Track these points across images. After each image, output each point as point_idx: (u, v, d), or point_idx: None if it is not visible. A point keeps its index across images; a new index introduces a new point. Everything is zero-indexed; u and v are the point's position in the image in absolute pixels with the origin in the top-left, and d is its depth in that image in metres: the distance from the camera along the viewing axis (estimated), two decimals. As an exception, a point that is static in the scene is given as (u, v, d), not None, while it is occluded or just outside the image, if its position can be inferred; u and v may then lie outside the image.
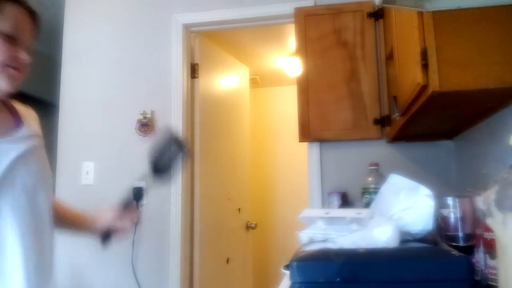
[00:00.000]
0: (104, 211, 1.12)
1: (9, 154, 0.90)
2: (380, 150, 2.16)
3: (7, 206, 0.88)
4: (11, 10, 0.92)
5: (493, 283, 0.84)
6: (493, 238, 0.80)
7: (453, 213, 1.02)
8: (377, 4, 2.13)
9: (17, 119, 0.99)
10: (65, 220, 1.13)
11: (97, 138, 2.51)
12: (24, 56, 0.93)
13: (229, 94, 3.14)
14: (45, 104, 3.92)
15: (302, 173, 2.31)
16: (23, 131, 0.97)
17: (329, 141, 2.24)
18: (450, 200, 1.03)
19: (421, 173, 2.06)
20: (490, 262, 0.86)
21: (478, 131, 1.66)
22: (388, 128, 2.07)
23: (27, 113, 1.06)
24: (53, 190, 1.11)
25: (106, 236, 1.12)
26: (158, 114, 2.46)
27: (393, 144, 2.16)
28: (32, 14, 0.98)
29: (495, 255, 0.80)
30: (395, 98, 1.81)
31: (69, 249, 2.33)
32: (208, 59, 2.77)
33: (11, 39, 0.91)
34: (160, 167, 1.08)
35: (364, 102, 2.12)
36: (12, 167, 0.89)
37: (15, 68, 0.92)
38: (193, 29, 2.57)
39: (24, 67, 0.95)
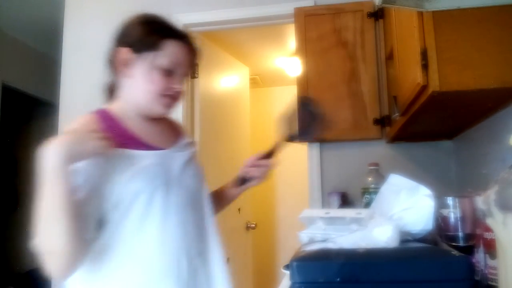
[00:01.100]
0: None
1: (179, 160, 1.06)
2: (380, 150, 2.16)
3: (174, 204, 0.99)
4: (172, 47, 1.02)
5: (493, 283, 0.84)
6: (493, 238, 0.80)
7: (453, 213, 1.02)
8: (377, 4, 2.13)
9: (177, 131, 1.17)
10: (218, 199, 1.26)
11: (97, 138, 2.50)
12: (178, 86, 1.04)
13: (229, 94, 3.14)
14: (45, 104, 3.93)
15: (302, 173, 2.31)
16: (184, 140, 1.14)
17: (329, 141, 2.23)
18: (450, 200, 1.03)
19: (421, 173, 2.06)
20: (490, 262, 0.86)
21: (478, 131, 1.66)
22: (388, 128, 2.07)
23: (180, 125, 1.23)
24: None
25: (242, 183, 1.22)
26: (158, 114, 2.46)
27: (393, 144, 2.16)
28: (191, 49, 1.08)
29: (495, 255, 0.80)
30: (395, 98, 1.81)
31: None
32: (208, 59, 2.77)
33: (168, 72, 1.02)
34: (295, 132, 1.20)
35: (364, 102, 2.12)
36: (181, 171, 1.04)
37: (169, 97, 1.04)
38: (193, 29, 2.56)
39: (178, 95, 1.06)
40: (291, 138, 1.19)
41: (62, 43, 2.65)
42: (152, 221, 0.95)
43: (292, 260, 0.78)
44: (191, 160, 1.10)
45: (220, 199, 1.27)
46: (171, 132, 1.15)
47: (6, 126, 3.55)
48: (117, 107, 1.06)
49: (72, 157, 0.82)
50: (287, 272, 1.18)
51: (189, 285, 0.98)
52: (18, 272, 3.67)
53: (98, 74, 2.50)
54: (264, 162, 1.19)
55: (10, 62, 3.53)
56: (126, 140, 0.98)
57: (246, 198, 3.18)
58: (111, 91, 1.11)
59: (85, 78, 2.59)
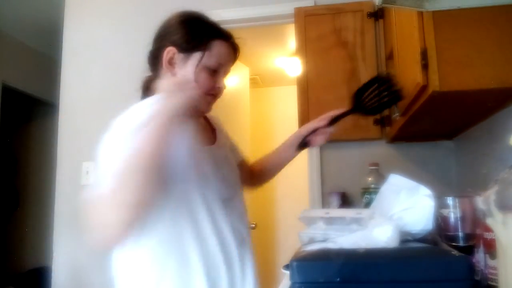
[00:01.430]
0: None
1: (220, 156, 1.11)
2: (380, 150, 2.16)
3: (218, 198, 1.02)
4: (219, 47, 1.05)
5: (493, 283, 0.84)
6: (493, 238, 0.80)
7: (453, 213, 1.02)
8: (377, 4, 2.13)
9: (212, 126, 1.21)
10: (270, 166, 1.35)
11: (97, 138, 2.50)
12: (221, 85, 1.08)
13: (229, 94, 3.13)
14: (45, 104, 3.93)
15: (302, 173, 2.31)
16: (220, 137, 1.19)
17: (329, 141, 2.22)
18: (450, 200, 1.03)
19: (421, 173, 2.06)
20: (490, 262, 0.86)
21: (478, 131, 1.66)
22: (388, 128, 2.07)
23: (215, 120, 1.25)
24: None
25: (302, 144, 1.25)
26: (158, 114, 2.46)
27: (393, 144, 2.15)
28: (235, 48, 1.11)
29: (495, 255, 0.80)
30: (395, 98, 1.81)
31: (69, 249, 2.33)
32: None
33: (214, 72, 1.05)
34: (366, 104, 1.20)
35: (364, 102, 2.11)
36: (219, 167, 1.07)
37: (212, 95, 1.07)
38: (193, 29, 2.56)
39: (220, 93, 1.09)
40: (360, 111, 1.21)
41: (62, 43, 2.65)
42: (202, 211, 0.98)
43: (292, 260, 0.78)
44: (226, 157, 1.15)
45: (275, 162, 1.34)
46: (207, 128, 1.19)
47: (6, 126, 3.56)
48: None
49: (179, 112, 0.84)
50: (287, 272, 1.18)
51: (238, 274, 1.02)
52: (18, 272, 3.67)
53: (98, 74, 2.48)
54: (328, 130, 1.24)
55: (10, 62, 3.53)
56: None
57: (246, 198, 3.17)
58: (148, 87, 1.15)
59: (85, 78, 2.59)
